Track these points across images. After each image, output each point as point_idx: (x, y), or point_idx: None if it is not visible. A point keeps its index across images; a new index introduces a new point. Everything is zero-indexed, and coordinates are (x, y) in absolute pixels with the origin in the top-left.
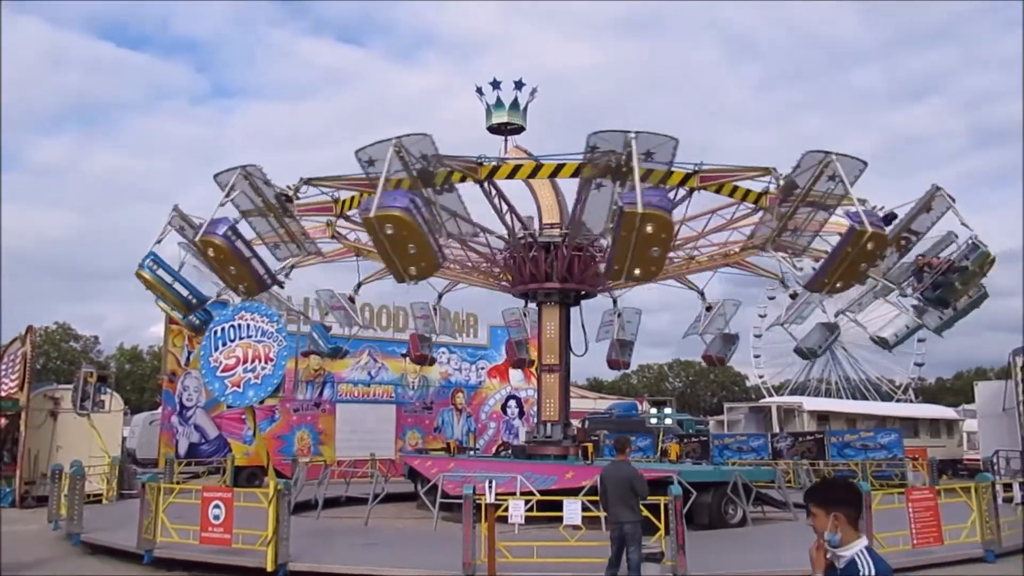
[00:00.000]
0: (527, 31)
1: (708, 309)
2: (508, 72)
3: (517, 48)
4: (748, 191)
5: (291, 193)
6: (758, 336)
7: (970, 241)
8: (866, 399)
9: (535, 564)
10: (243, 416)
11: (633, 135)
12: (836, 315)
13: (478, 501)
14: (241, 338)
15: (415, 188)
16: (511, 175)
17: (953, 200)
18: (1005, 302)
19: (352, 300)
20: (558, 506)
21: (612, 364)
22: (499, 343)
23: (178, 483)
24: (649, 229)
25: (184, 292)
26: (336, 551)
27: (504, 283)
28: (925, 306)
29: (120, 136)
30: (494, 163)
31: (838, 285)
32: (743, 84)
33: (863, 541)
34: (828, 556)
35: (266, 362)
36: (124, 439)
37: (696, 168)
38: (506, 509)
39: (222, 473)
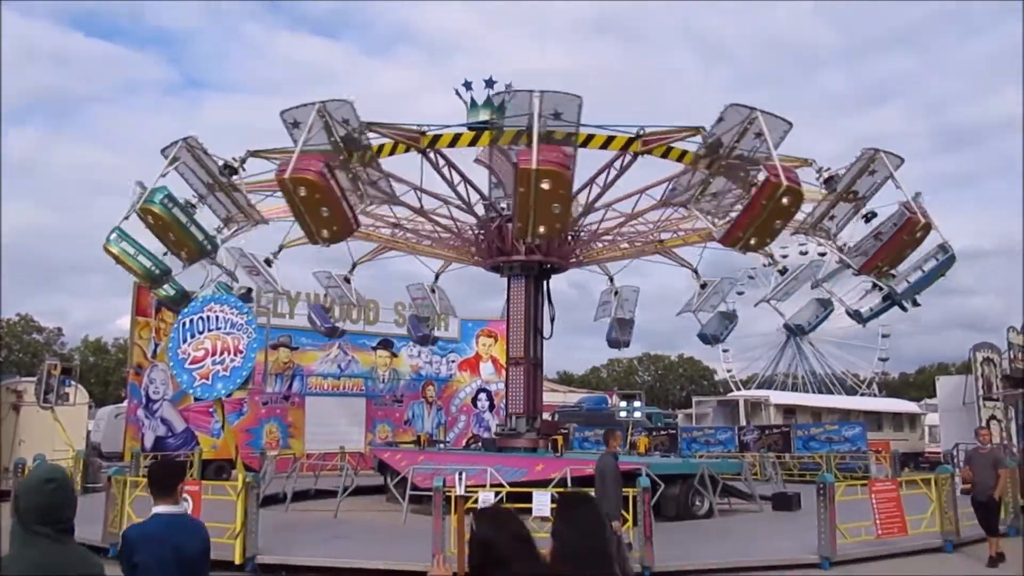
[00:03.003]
0: (501, 31)
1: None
2: (483, 71)
3: (491, 47)
4: (684, 152)
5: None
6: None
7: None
8: (831, 393)
9: None
10: (210, 409)
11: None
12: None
13: (448, 493)
14: (210, 330)
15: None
16: (452, 143)
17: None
18: (967, 300)
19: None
20: (528, 498)
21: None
22: (470, 336)
23: (144, 476)
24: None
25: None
26: (305, 544)
27: (477, 258)
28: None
29: (87, 128)
30: (436, 132)
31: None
32: (713, 87)
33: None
34: None
35: (235, 354)
36: (89, 432)
37: (639, 132)
38: (476, 501)
39: (189, 466)
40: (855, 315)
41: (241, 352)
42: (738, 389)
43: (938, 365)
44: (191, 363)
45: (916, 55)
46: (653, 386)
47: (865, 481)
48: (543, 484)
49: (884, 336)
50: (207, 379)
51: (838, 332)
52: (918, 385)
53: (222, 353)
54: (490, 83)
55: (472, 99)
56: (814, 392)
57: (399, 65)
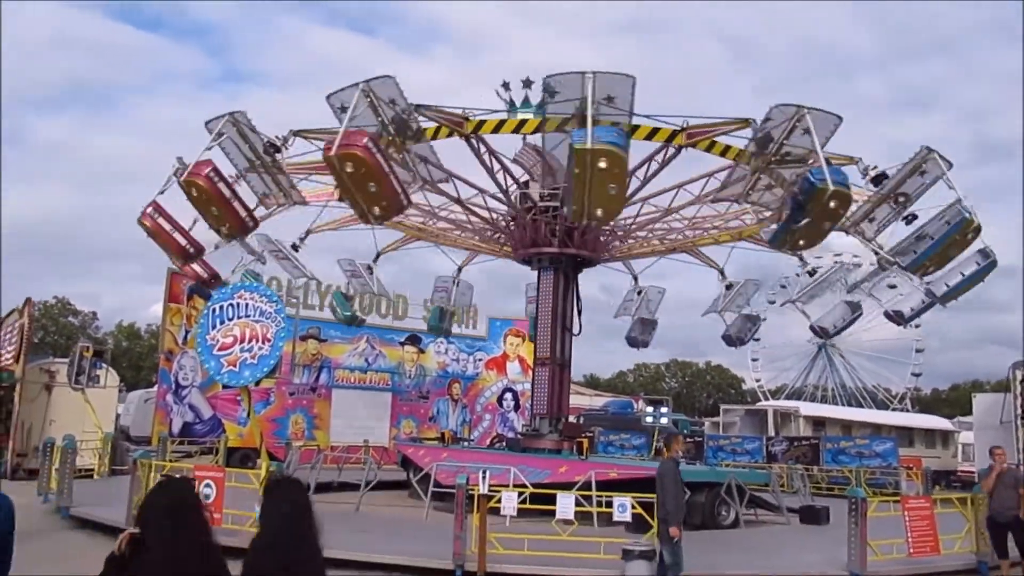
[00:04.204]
0: (532, 29)
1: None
2: (513, 68)
3: (522, 45)
4: (728, 147)
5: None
6: (756, 340)
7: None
8: (861, 406)
9: (525, 557)
10: (238, 397)
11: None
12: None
13: (471, 492)
14: (239, 317)
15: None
16: (496, 130)
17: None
18: (1004, 317)
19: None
20: (550, 500)
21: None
22: (497, 335)
23: (171, 461)
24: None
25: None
26: (327, 535)
27: (507, 250)
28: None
29: (125, 116)
30: (480, 117)
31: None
32: (745, 89)
33: None
34: None
35: (263, 342)
36: (118, 416)
37: (684, 125)
38: (499, 501)
39: (215, 453)
40: (896, 315)
41: (269, 340)
42: (766, 399)
43: (972, 382)
44: (219, 349)
45: (955, 63)
46: (680, 393)
47: (896, 498)
48: (566, 486)
49: (918, 351)
50: (234, 366)
51: (870, 345)
52: (951, 402)
53: (250, 341)
54: (528, 83)
55: (511, 99)
56: (844, 405)
57: (432, 61)
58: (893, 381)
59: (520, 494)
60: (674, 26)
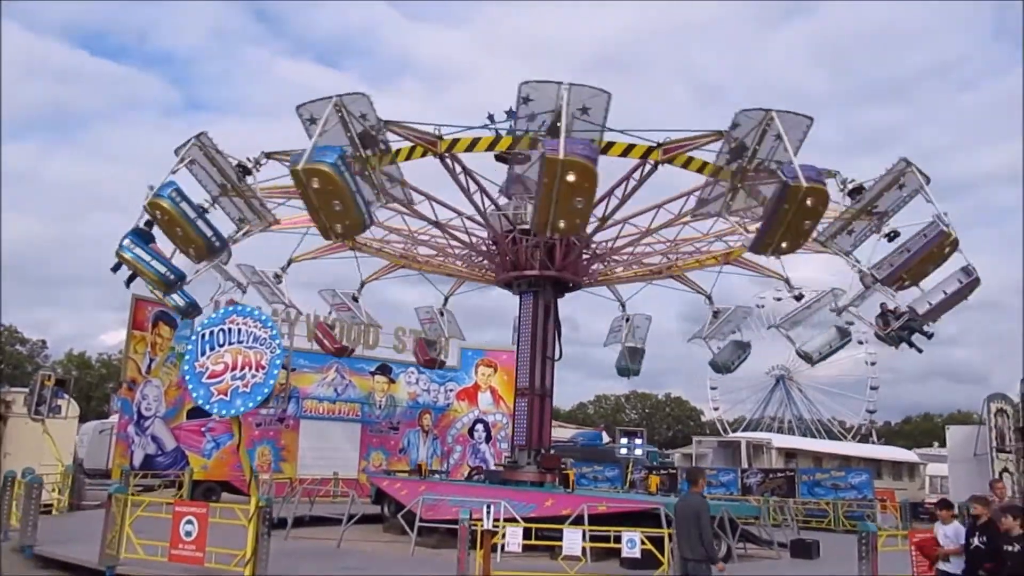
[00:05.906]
0: (501, 64)
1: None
2: (481, 102)
3: (491, 80)
4: (705, 163)
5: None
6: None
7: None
8: (815, 438)
9: None
10: (202, 428)
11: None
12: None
13: (473, 527)
14: (231, 343)
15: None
16: (470, 148)
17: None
18: (951, 351)
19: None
20: (537, 533)
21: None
22: (469, 365)
23: (133, 495)
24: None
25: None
26: (315, 572)
27: (489, 274)
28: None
29: (86, 145)
30: (454, 135)
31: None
32: (709, 126)
33: None
34: None
35: (257, 369)
36: (76, 448)
37: (660, 142)
38: (501, 536)
39: (178, 487)
40: (804, 357)
41: (264, 367)
42: (726, 431)
43: (924, 415)
44: (209, 377)
45: (906, 106)
46: (639, 424)
47: (893, 531)
48: (553, 520)
49: (872, 388)
50: (225, 395)
51: (826, 379)
52: (904, 434)
53: (243, 368)
54: (511, 113)
55: (496, 132)
56: (800, 436)
57: (400, 94)
58: (847, 415)
59: (527, 532)
60: (641, 65)
